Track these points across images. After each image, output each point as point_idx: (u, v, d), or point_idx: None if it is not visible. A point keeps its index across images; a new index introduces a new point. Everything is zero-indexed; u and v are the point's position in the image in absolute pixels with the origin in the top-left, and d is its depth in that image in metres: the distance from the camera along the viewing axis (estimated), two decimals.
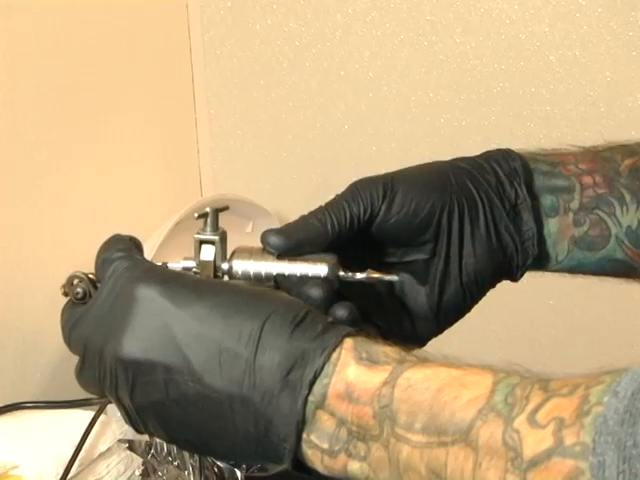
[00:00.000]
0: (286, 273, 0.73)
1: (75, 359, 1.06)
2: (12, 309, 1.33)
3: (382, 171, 1.57)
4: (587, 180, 0.81)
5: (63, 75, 1.39)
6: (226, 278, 0.73)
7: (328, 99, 1.71)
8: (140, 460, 1.14)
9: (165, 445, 1.13)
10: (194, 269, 0.74)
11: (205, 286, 0.67)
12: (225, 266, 0.73)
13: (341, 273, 0.73)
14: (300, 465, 0.63)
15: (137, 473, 1.13)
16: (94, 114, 1.47)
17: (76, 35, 1.42)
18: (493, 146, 0.83)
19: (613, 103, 1.57)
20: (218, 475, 1.07)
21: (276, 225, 1.67)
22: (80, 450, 1.05)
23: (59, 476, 1.02)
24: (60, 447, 1.06)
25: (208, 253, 0.74)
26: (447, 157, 0.83)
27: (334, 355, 0.61)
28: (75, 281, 0.73)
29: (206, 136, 1.76)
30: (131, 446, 1.15)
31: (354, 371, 0.61)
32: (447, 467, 0.57)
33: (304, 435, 0.61)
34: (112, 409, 1.13)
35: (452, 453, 0.57)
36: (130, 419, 0.68)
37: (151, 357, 0.64)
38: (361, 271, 0.73)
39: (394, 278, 0.75)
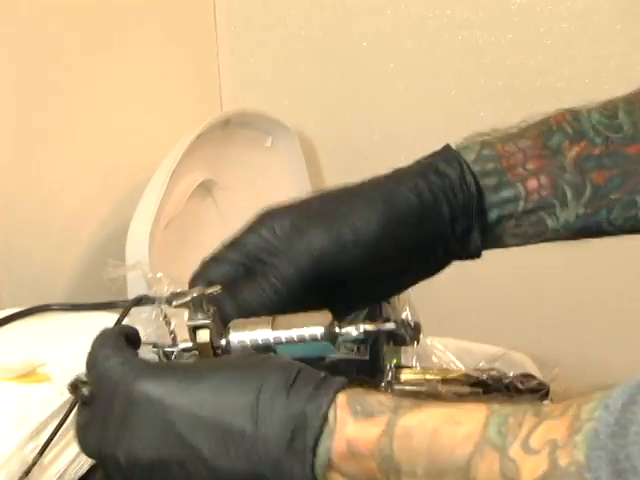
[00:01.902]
0: (283, 339, 0.71)
1: (99, 263, 1.06)
2: (40, 216, 1.32)
3: (398, 88, 1.56)
4: (532, 184, 0.77)
5: None
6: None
7: (346, 15, 1.68)
8: (165, 361, 1.13)
9: (188, 348, 1.12)
10: (193, 352, 0.75)
11: (197, 371, 0.66)
12: (223, 342, 0.73)
13: (337, 330, 0.71)
14: None
15: None
16: (114, 31, 1.44)
17: None
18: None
19: None
20: None
21: (295, 140, 1.67)
22: None
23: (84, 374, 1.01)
24: (86, 347, 1.04)
25: (204, 336, 0.75)
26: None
27: (330, 414, 0.60)
28: (80, 384, 0.73)
29: (226, 51, 1.74)
30: (156, 347, 1.14)
31: (352, 427, 0.60)
32: None
33: None
34: (136, 312, 1.12)
35: None
36: None
37: (162, 456, 0.64)
38: (356, 324, 0.71)
39: (391, 326, 0.73)
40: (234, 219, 1.65)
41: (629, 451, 0.50)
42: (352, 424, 0.60)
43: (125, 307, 1.11)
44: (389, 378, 1.01)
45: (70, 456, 0.98)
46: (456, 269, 0.80)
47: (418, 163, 0.79)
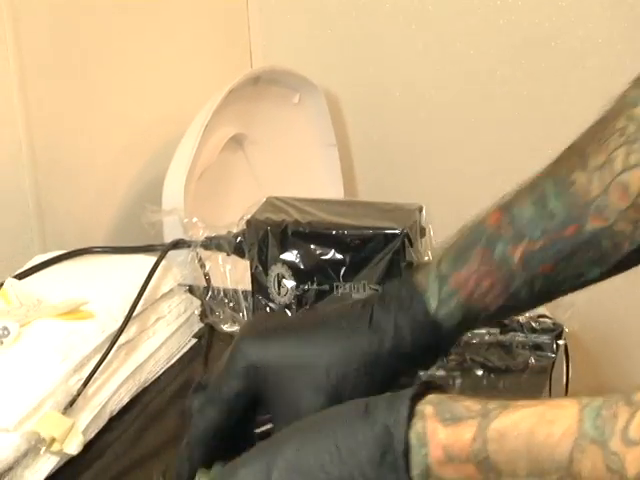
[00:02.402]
0: None
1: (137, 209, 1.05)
2: (82, 165, 1.32)
3: (419, 47, 1.54)
4: (490, 299, 0.76)
5: None
6: None
7: None
8: (199, 302, 1.14)
9: (222, 289, 1.13)
10: None
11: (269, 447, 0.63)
12: None
13: None
14: None
15: (196, 313, 1.13)
16: None
17: None
18: None
19: None
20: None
21: (321, 96, 1.66)
22: (144, 290, 1.05)
23: (125, 313, 1.02)
24: (126, 287, 1.05)
25: None
26: None
27: (419, 425, 0.58)
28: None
29: (256, 10, 1.73)
30: (191, 289, 1.15)
31: (444, 433, 0.58)
32: None
33: None
34: (173, 255, 1.13)
35: None
36: None
37: None
38: None
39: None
40: (263, 171, 1.67)
41: None
42: (443, 430, 0.58)
43: (162, 250, 1.11)
44: None
45: (112, 389, 0.99)
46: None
47: (388, 294, 0.76)
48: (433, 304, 0.75)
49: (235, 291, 1.11)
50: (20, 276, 1.09)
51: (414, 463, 0.58)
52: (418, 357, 0.74)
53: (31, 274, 1.11)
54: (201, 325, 1.14)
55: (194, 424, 0.73)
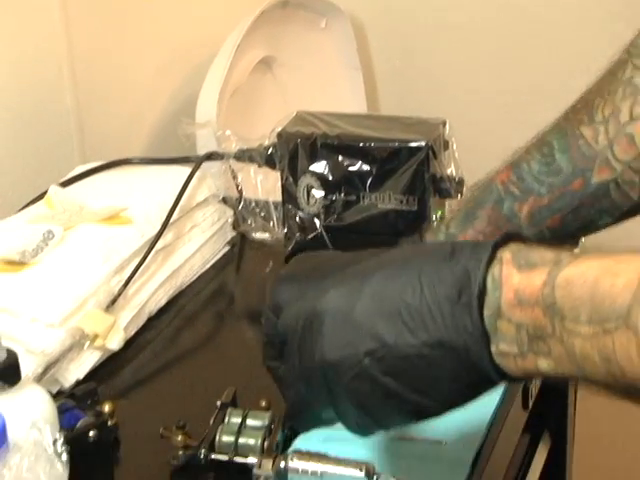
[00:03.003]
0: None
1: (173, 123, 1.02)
2: (121, 80, 1.30)
3: None
4: None
5: None
6: None
7: None
8: (231, 212, 1.12)
9: (253, 199, 1.11)
10: None
11: (361, 274, 0.62)
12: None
13: None
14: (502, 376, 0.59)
15: (229, 221, 1.12)
16: None
17: None
18: None
19: None
20: (299, 224, 1.05)
21: (347, 22, 1.63)
22: (180, 199, 1.03)
23: (162, 219, 1.01)
24: (163, 196, 1.04)
25: None
26: None
27: (496, 269, 0.57)
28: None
29: None
30: (224, 199, 1.13)
31: (518, 278, 0.57)
32: (616, 353, 0.53)
33: (493, 348, 0.57)
34: (207, 166, 1.11)
35: (617, 339, 0.53)
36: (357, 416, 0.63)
37: (350, 352, 0.61)
38: None
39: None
40: (291, 92, 1.64)
41: None
42: (517, 275, 0.57)
43: (197, 161, 1.10)
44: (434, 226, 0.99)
45: (150, 290, 0.98)
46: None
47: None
48: None
49: (266, 201, 1.10)
50: (63, 184, 1.08)
51: (487, 304, 0.57)
52: None
53: (73, 183, 1.09)
54: (233, 233, 1.13)
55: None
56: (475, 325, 0.57)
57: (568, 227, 0.77)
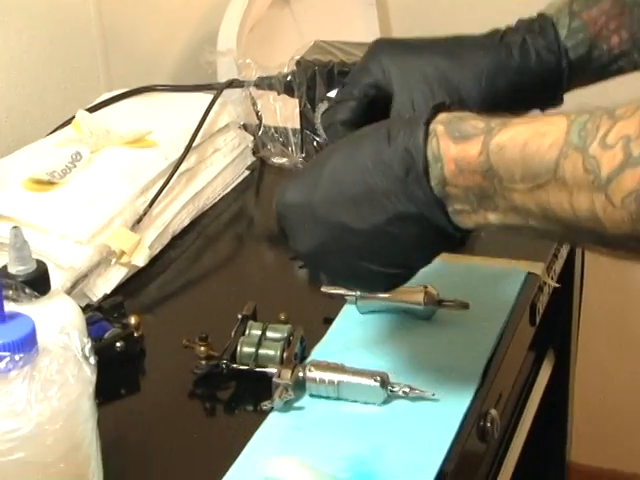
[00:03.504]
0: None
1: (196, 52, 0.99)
2: (146, 9, 1.27)
3: None
4: (614, 41, 0.75)
5: None
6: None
7: None
8: (251, 137, 1.10)
9: (273, 126, 1.09)
10: None
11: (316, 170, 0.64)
12: None
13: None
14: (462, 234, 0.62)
15: (249, 146, 1.10)
16: None
17: None
18: None
19: None
20: (317, 149, 1.02)
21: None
22: (203, 124, 1.01)
23: (186, 143, 0.98)
24: (186, 121, 1.02)
25: None
26: None
27: (433, 143, 0.59)
28: None
29: None
30: (244, 126, 1.11)
31: (455, 150, 0.58)
32: (550, 203, 0.55)
33: (449, 209, 0.60)
34: (228, 93, 1.09)
35: (549, 191, 0.55)
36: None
37: (318, 243, 0.64)
38: None
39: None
40: (308, 27, 1.60)
41: None
42: (454, 147, 0.59)
43: (219, 89, 1.07)
44: None
45: (174, 211, 0.96)
46: None
47: (520, 23, 0.75)
48: (562, 32, 0.74)
49: (285, 127, 1.07)
50: (90, 110, 1.05)
51: (432, 176, 0.59)
52: (539, 84, 0.73)
53: (100, 108, 1.07)
54: (253, 159, 1.11)
55: (332, 114, 0.72)
56: (427, 195, 0.59)
57: None
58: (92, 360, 0.51)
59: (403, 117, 0.63)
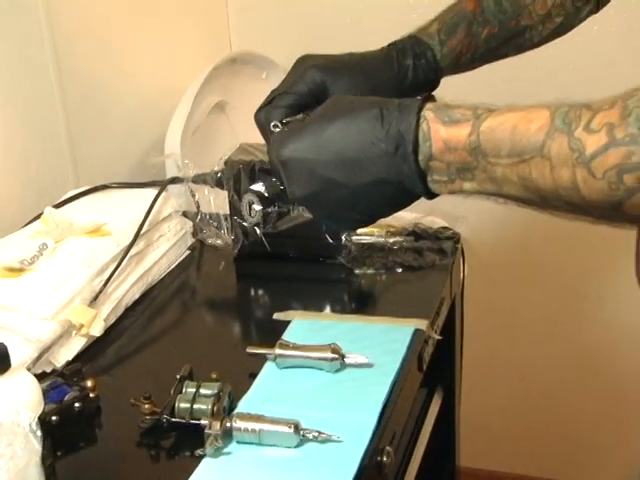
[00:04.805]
0: None
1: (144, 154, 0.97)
2: (108, 119, 1.24)
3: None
4: (470, 54, 0.83)
5: None
6: None
7: None
8: (191, 223, 1.08)
9: (208, 213, 1.07)
10: None
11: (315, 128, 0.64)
12: None
13: None
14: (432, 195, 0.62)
15: (189, 231, 1.08)
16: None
17: None
18: None
19: None
20: (244, 232, 1.01)
21: (282, 74, 1.58)
22: (149, 214, 0.99)
23: (135, 231, 0.96)
24: (136, 213, 1.00)
25: None
26: None
27: (424, 126, 0.58)
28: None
29: (233, 7, 1.64)
30: (185, 214, 1.09)
31: (445, 131, 0.57)
32: (532, 174, 0.54)
33: (429, 178, 0.59)
34: (171, 188, 1.07)
35: (533, 164, 0.53)
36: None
37: (312, 191, 0.64)
38: None
39: None
40: (241, 130, 1.59)
41: None
42: (444, 129, 0.58)
43: (162, 185, 1.05)
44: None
45: (126, 287, 0.94)
46: None
47: (406, 46, 0.80)
48: (438, 55, 0.80)
49: (217, 214, 1.06)
50: (58, 205, 1.03)
51: (420, 152, 0.58)
52: (423, 88, 0.78)
53: (66, 204, 1.04)
54: (193, 240, 1.09)
55: (275, 103, 0.76)
56: (411, 168, 0.58)
57: (499, 50, 0.84)
58: (39, 433, 0.48)
59: (393, 101, 0.61)
